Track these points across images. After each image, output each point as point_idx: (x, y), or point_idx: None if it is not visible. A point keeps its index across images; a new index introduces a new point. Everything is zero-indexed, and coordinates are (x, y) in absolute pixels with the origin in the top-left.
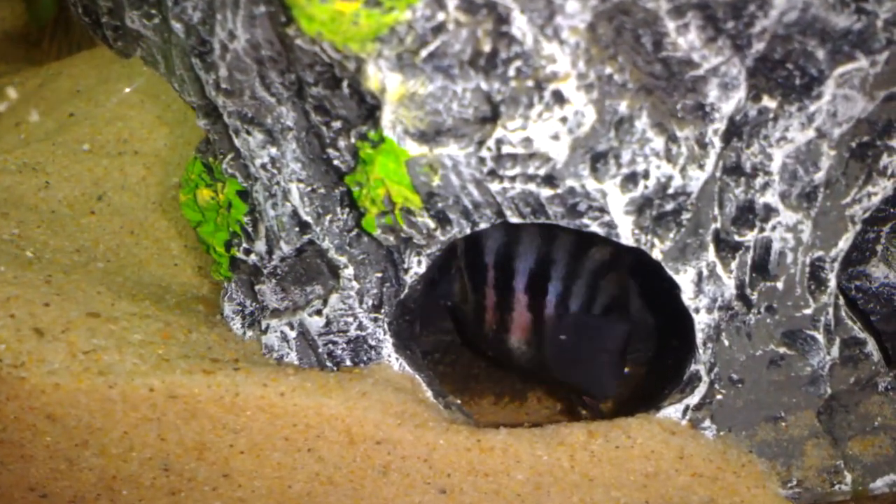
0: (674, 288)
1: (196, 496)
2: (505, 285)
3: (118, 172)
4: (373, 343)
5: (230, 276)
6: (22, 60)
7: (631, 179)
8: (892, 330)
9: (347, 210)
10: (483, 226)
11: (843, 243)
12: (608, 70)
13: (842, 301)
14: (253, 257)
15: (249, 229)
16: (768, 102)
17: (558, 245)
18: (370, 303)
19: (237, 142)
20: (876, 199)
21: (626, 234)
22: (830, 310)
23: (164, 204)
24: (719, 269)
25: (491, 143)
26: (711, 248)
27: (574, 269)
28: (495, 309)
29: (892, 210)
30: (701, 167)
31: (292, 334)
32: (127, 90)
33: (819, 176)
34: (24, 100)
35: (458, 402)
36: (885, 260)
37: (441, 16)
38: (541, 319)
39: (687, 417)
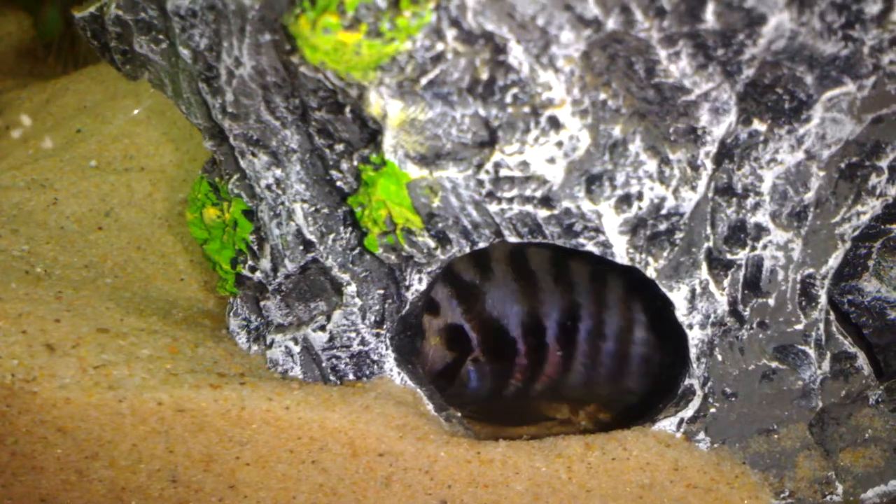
0: (668, 305)
1: None
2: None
3: (125, 189)
4: (375, 358)
5: (236, 292)
6: (28, 75)
7: (625, 201)
8: (885, 343)
9: (350, 229)
10: (482, 245)
11: (833, 261)
12: (602, 96)
13: (832, 316)
14: (258, 274)
15: (255, 247)
16: (758, 126)
17: None
18: (373, 319)
19: (243, 163)
20: (865, 218)
21: (621, 253)
22: (821, 325)
23: (171, 220)
24: (712, 287)
25: (489, 166)
26: (704, 266)
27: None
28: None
29: (882, 226)
30: (693, 188)
31: (296, 349)
32: (136, 111)
33: (809, 196)
34: (32, 116)
35: (459, 414)
36: (876, 275)
37: (440, 46)
38: None
39: (681, 430)
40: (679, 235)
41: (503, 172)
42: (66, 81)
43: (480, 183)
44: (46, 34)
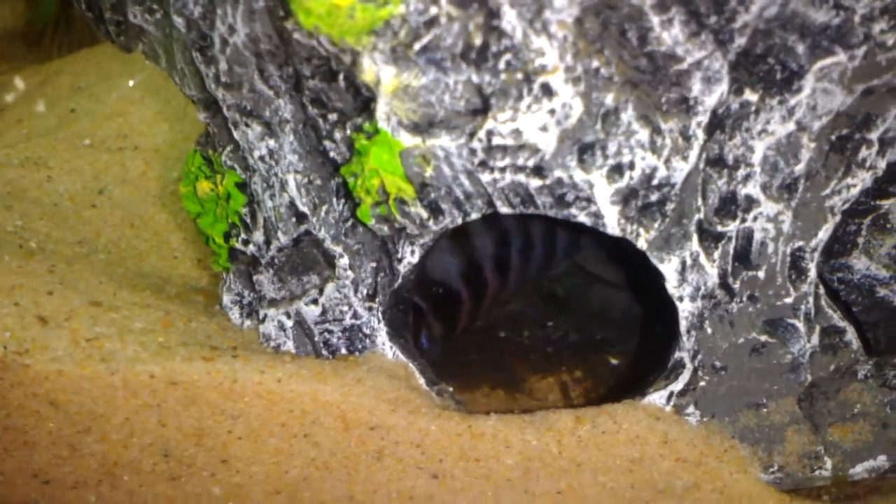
0: (658, 277)
1: (195, 481)
2: None
3: (118, 167)
4: (367, 331)
5: (229, 266)
6: (23, 59)
7: (617, 170)
8: (874, 320)
9: (343, 201)
10: (474, 216)
11: (823, 234)
12: (595, 63)
13: (822, 290)
14: (251, 248)
15: (248, 220)
16: (750, 96)
17: None
18: (365, 292)
19: (236, 134)
20: (855, 191)
21: (612, 224)
22: (811, 299)
23: (164, 198)
24: (702, 259)
25: (482, 134)
26: (695, 238)
27: None
28: None
29: (872, 202)
30: (685, 159)
31: (289, 323)
32: (130, 83)
33: (799, 168)
34: (27, 96)
35: (451, 389)
36: (866, 252)
37: (434, 10)
38: None
39: (671, 403)
40: (670, 206)
41: (496, 141)
42: (61, 64)
43: (473, 152)
44: (41, 18)
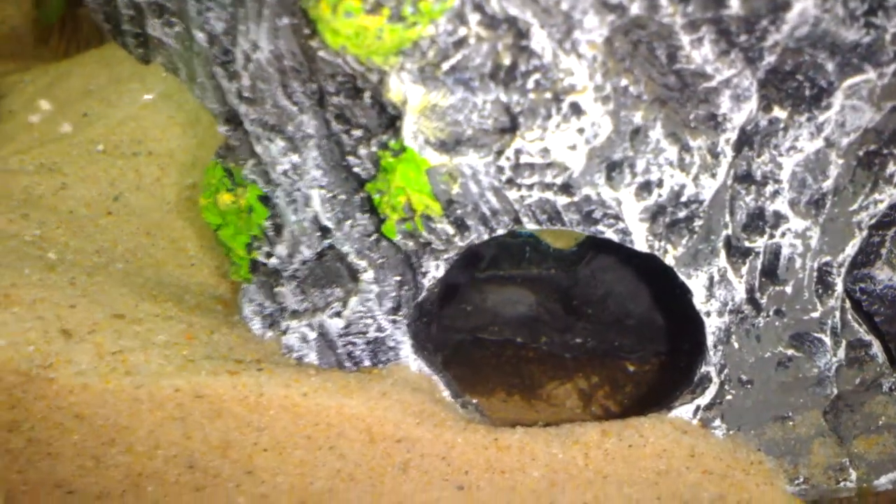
0: (686, 292)
1: (220, 492)
2: None
3: (133, 173)
4: (391, 344)
5: (250, 278)
6: (31, 58)
7: (645, 188)
8: None
9: (367, 215)
10: (500, 231)
11: (850, 249)
12: (624, 82)
13: (848, 304)
14: (273, 260)
15: (271, 233)
16: (779, 113)
17: None
18: (389, 305)
19: (258, 148)
20: (882, 206)
21: (640, 240)
22: (837, 313)
23: (180, 205)
24: (730, 274)
25: (509, 152)
26: (723, 253)
27: None
28: None
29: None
30: (713, 176)
31: (312, 335)
32: (146, 97)
33: (827, 184)
34: (36, 98)
35: (475, 401)
36: (889, 263)
37: (463, 31)
38: None
39: (698, 417)
40: (698, 223)
41: (524, 159)
42: (70, 65)
43: (500, 169)
44: (48, 17)
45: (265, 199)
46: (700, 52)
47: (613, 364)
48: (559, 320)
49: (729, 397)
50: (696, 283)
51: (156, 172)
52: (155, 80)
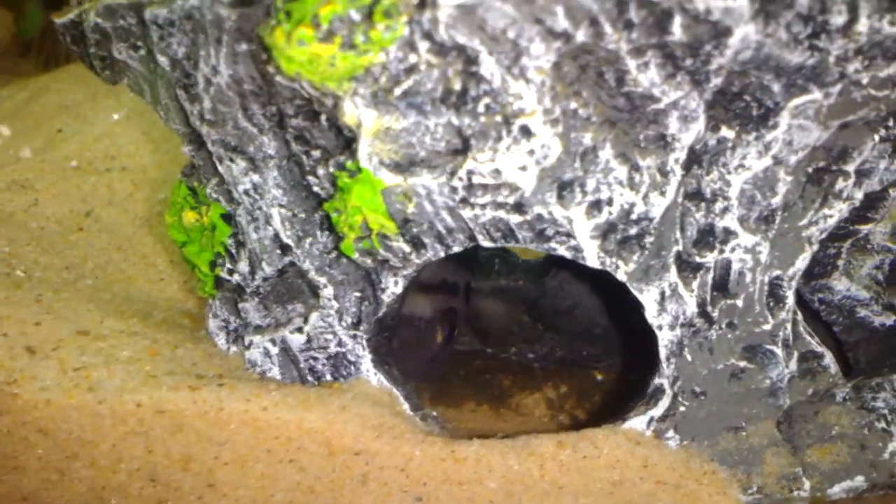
0: (638, 306)
1: None
2: None
3: (106, 189)
4: (352, 359)
5: (214, 293)
6: (9, 72)
7: (596, 206)
8: (854, 340)
9: (327, 233)
10: (456, 249)
11: (801, 262)
12: (573, 105)
13: (800, 316)
14: (236, 277)
15: (233, 251)
16: (727, 132)
17: None
18: (349, 321)
19: (221, 168)
20: (832, 221)
21: (592, 257)
22: (789, 325)
23: (151, 220)
24: (681, 289)
25: (462, 173)
26: (673, 269)
27: None
28: None
29: (851, 227)
30: (662, 194)
31: (275, 350)
32: (116, 116)
33: (776, 200)
34: (12, 115)
35: (434, 414)
36: (847, 273)
37: (413, 58)
38: None
39: (651, 428)
40: (649, 239)
41: (476, 179)
42: (48, 80)
43: (454, 189)
44: (27, 31)
45: (228, 218)
46: (647, 76)
47: (581, 373)
48: (528, 331)
49: (682, 409)
50: (647, 298)
51: (128, 188)
52: (129, 97)
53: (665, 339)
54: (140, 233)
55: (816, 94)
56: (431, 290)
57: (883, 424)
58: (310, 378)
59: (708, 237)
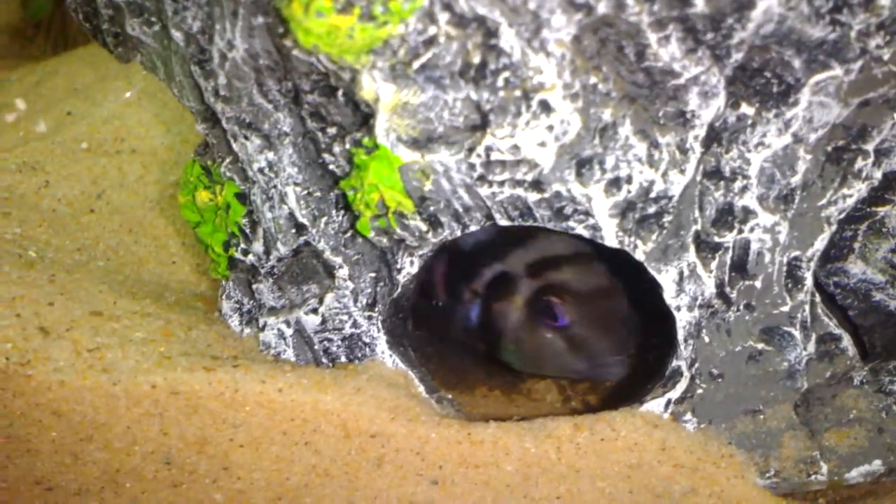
0: (656, 287)
1: (197, 488)
2: None
3: (116, 171)
4: (367, 340)
5: (228, 274)
6: (17, 56)
7: (615, 184)
8: (870, 325)
9: (342, 212)
10: (473, 228)
11: (819, 243)
12: (593, 80)
13: (818, 298)
14: (251, 257)
15: (247, 230)
16: (747, 109)
17: None
18: (364, 301)
19: (235, 146)
20: (851, 201)
21: (610, 236)
22: (807, 307)
23: (162, 202)
24: (700, 269)
25: (480, 149)
26: (692, 248)
27: None
28: None
29: (868, 209)
30: (682, 172)
31: (289, 332)
32: (127, 94)
33: (796, 179)
34: (22, 97)
35: (450, 396)
36: (862, 257)
37: (432, 29)
38: None
39: (669, 411)
40: (668, 218)
41: (494, 156)
42: (56, 63)
43: (472, 166)
44: (35, 15)
45: (242, 197)
46: (667, 50)
47: None
48: None
49: (700, 391)
50: (665, 278)
51: (139, 170)
52: (139, 78)
53: (683, 320)
54: (151, 215)
55: (837, 71)
56: None
57: None
58: (324, 360)
59: (727, 216)
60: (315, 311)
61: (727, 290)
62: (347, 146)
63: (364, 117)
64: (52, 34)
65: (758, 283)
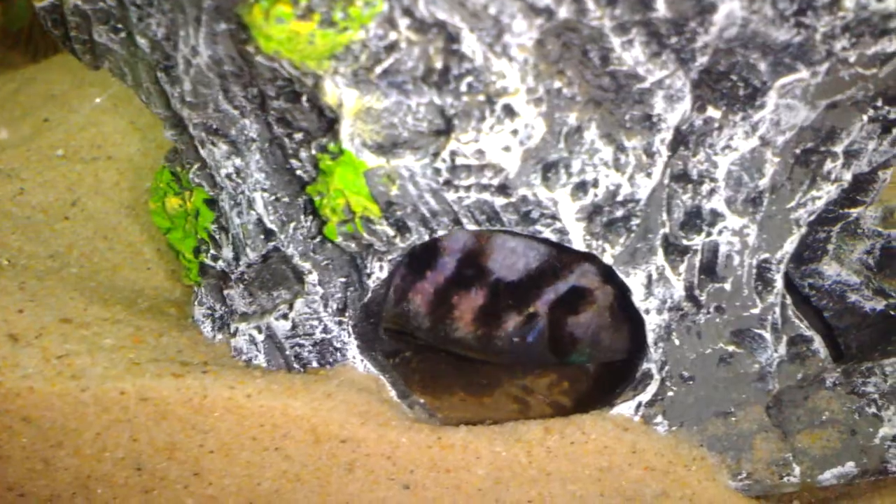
0: (625, 290)
1: (168, 494)
2: None
3: (92, 178)
4: (338, 345)
5: (199, 280)
6: None
7: (581, 188)
8: (845, 326)
9: (311, 218)
10: (441, 233)
11: (789, 245)
12: (557, 84)
13: (789, 300)
14: (220, 263)
15: (217, 236)
16: (713, 112)
17: None
18: (335, 306)
19: (203, 152)
20: (820, 203)
21: (578, 239)
22: (777, 309)
23: (137, 209)
24: (668, 272)
25: (445, 154)
26: (660, 252)
27: None
28: None
29: (841, 210)
30: (649, 175)
31: (260, 337)
32: (97, 100)
33: (764, 182)
34: (0, 106)
35: (422, 401)
36: (837, 258)
37: (393, 35)
38: None
39: (639, 414)
40: (635, 222)
41: (459, 161)
42: (35, 70)
43: (437, 171)
44: (15, 22)
45: (211, 203)
46: (631, 54)
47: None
48: None
49: (670, 394)
50: (634, 281)
51: (114, 177)
52: (114, 84)
53: (652, 323)
54: (126, 221)
55: (804, 73)
56: None
57: (873, 409)
58: (296, 365)
59: (695, 219)
60: (285, 316)
61: (697, 292)
62: (313, 151)
63: (329, 123)
64: (33, 41)
65: (727, 286)
